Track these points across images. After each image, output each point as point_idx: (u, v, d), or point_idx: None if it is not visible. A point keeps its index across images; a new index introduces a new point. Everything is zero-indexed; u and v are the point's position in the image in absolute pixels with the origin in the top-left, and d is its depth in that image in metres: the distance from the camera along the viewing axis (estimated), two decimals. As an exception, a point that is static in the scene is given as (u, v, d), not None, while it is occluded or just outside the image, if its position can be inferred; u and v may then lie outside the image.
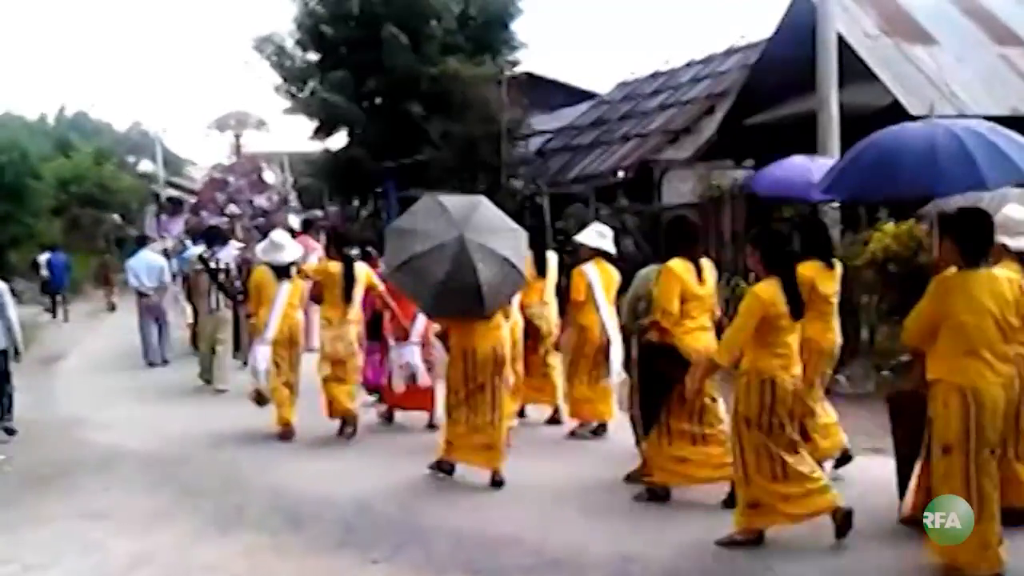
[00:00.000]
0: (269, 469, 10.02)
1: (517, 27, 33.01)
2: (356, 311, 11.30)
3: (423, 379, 11.20)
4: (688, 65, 27.56)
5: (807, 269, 7.97)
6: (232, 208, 25.67)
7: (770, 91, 17.94)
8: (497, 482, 8.89)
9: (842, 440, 8.63)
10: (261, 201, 26.16)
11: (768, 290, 6.96)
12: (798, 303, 7.00)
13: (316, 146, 35.30)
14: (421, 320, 11.01)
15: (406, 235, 8.90)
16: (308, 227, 19.83)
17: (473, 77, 27.11)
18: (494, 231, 8.94)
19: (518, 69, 30.78)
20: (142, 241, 21.06)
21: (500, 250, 8.78)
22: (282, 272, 11.49)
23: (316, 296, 11.53)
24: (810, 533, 7.11)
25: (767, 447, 6.97)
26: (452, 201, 9.17)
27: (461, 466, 9.18)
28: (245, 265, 15.38)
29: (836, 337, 8.51)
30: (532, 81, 30.14)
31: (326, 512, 8.48)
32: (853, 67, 15.05)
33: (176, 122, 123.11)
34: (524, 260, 9.13)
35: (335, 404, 11.12)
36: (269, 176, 27.60)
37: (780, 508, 7.02)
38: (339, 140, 34.28)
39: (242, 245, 17.34)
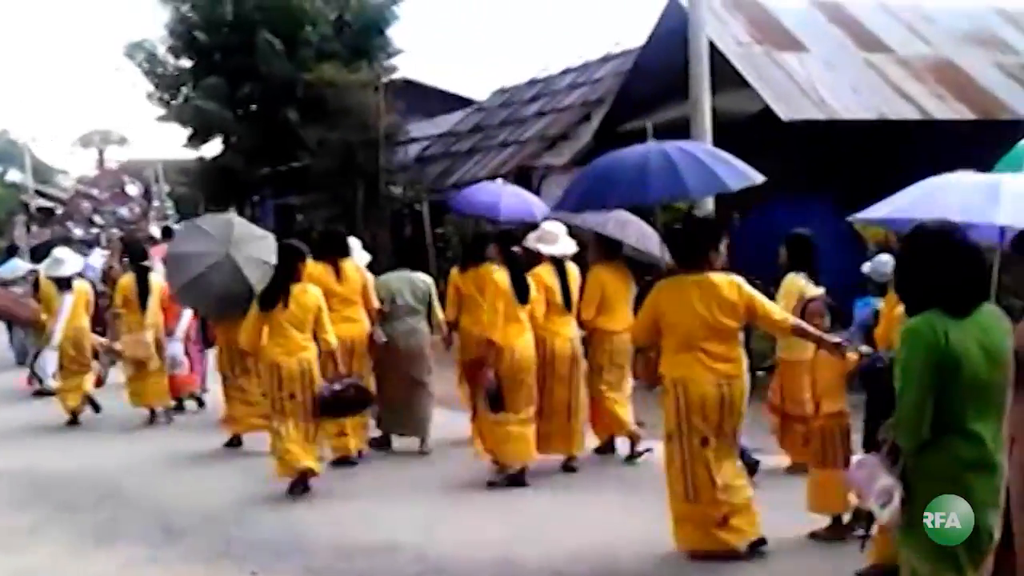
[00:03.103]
0: (145, 482, 9.87)
1: (394, 33, 32.98)
2: (153, 317, 12.61)
3: (183, 369, 13.19)
4: (564, 72, 27.71)
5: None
6: (97, 219, 26.27)
7: (645, 97, 18.12)
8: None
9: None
10: (124, 212, 27.64)
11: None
12: None
13: (191, 154, 34.78)
14: (185, 318, 12.92)
15: (181, 260, 10.83)
16: (168, 235, 19.90)
17: (349, 83, 26.92)
18: (251, 240, 10.68)
19: (395, 75, 30.72)
20: (12, 251, 20.83)
21: (259, 255, 10.34)
22: (64, 284, 13.07)
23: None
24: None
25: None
26: (209, 222, 11.36)
27: (343, 477, 9.13)
28: (109, 272, 16.64)
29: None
30: (410, 87, 30.11)
31: (205, 524, 8.37)
32: (725, 74, 15.30)
33: (46, 131, 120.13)
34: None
35: (142, 397, 12.69)
36: (132, 189, 29.08)
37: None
38: (214, 148, 33.86)
39: (107, 253, 18.81)
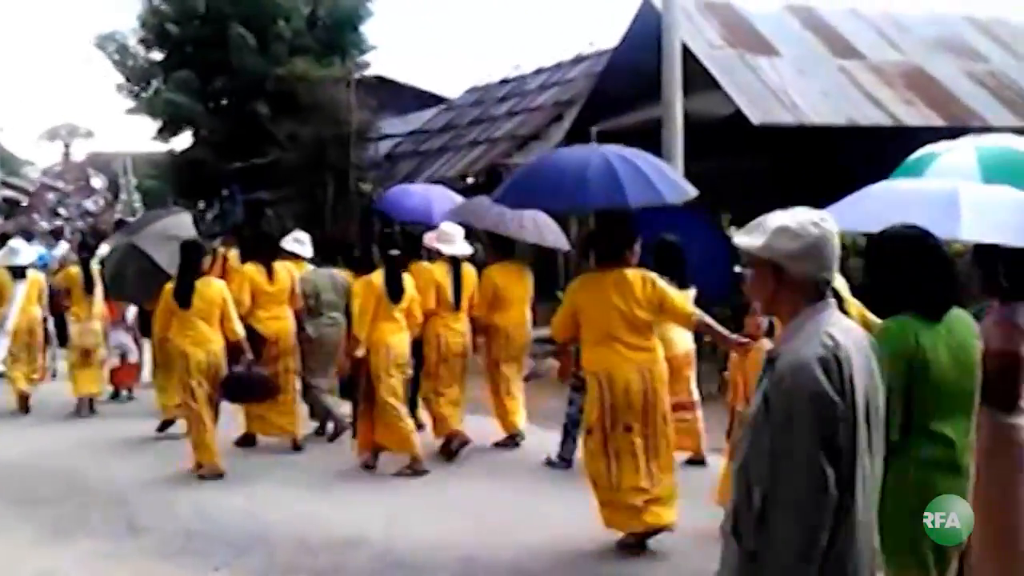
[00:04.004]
0: (107, 476, 9.77)
1: (367, 29, 32.84)
2: (99, 308, 13.05)
3: (133, 356, 13.76)
4: (537, 72, 27.72)
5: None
6: (62, 211, 26.46)
7: (617, 99, 18.14)
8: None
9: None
10: (88, 204, 28.01)
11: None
12: None
13: (161, 147, 34.57)
14: (132, 309, 13.35)
15: (112, 253, 11.60)
16: (120, 227, 20.24)
17: (322, 78, 26.83)
18: (155, 221, 11.43)
19: (368, 71, 30.58)
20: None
21: (166, 231, 10.88)
22: (18, 273, 13.31)
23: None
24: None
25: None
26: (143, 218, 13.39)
27: (307, 470, 9.09)
28: (63, 264, 16.60)
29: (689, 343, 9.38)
30: (382, 84, 29.97)
31: (167, 519, 8.30)
32: (697, 76, 15.33)
33: (13, 122, 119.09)
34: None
35: (80, 386, 12.92)
36: (96, 182, 29.40)
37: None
38: (184, 141, 33.64)
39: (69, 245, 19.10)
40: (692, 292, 8.68)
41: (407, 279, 9.79)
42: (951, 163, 6.89)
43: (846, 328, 3.33)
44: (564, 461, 9.58)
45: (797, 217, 3.36)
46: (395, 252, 9.80)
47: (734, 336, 7.25)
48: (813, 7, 19.25)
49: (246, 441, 10.83)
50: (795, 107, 15.57)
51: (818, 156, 14.98)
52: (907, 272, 4.25)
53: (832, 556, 3.16)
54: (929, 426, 4.17)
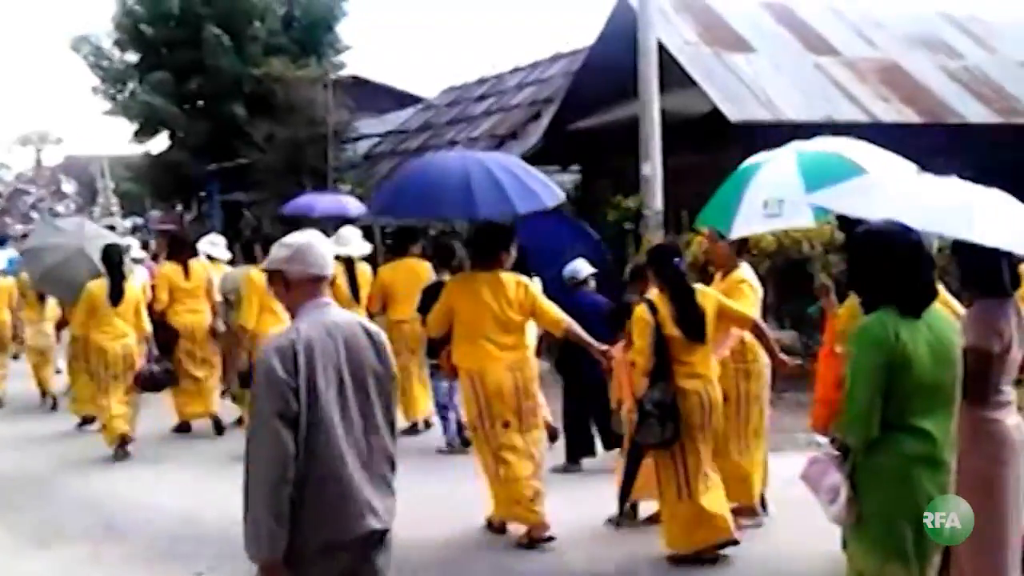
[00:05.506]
0: (87, 481, 9.73)
1: (343, 29, 32.88)
2: (52, 311, 13.63)
3: None
4: (514, 71, 27.72)
5: None
6: (35, 215, 26.73)
7: (594, 97, 18.17)
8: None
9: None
10: (60, 208, 28.59)
11: None
12: None
13: (137, 149, 34.47)
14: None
15: (37, 252, 12.01)
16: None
17: (298, 79, 26.81)
18: (99, 237, 11.88)
19: (344, 72, 30.57)
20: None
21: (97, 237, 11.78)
22: None
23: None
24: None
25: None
26: (63, 222, 13.52)
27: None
28: None
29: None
30: (359, 84, 29.96)
31: (149, 524, 8.26)
32: (674, 74, 15.37)
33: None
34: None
35: (43, 384, 13.65)
36: (67, 187, 29.96)
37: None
38: (160, 143, 33.55)
39: None
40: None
41: None
42: (773, 173, 7.10)
43: (325, 322, 4.16)
44: (449, 446, 10.34)
45: (291, 236, 4.35)
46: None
47: (597, 345, 7.55)
48: (788, 4, 19.32)
49: (181, 428, 11.83)
50: (771, 104, 15.63)
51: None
52: (888, 268, 4.27)
53: (307, 500, 3.97)
54: (910, 422, 4.19)
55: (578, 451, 9.51)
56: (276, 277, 4.30)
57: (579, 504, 8.09)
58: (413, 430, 11.12)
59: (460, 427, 10.06)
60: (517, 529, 7.56)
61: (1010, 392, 5.08)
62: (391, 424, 4.32)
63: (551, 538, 7.38)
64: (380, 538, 4.22)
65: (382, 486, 4.23)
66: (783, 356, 7.23)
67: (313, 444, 4.00)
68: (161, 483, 9.51)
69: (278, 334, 4.17)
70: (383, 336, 4.34)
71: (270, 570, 3.96)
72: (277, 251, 4.29)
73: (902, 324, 4.19)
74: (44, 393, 13.71)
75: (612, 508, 7.68)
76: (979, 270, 5.13)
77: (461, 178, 7.99)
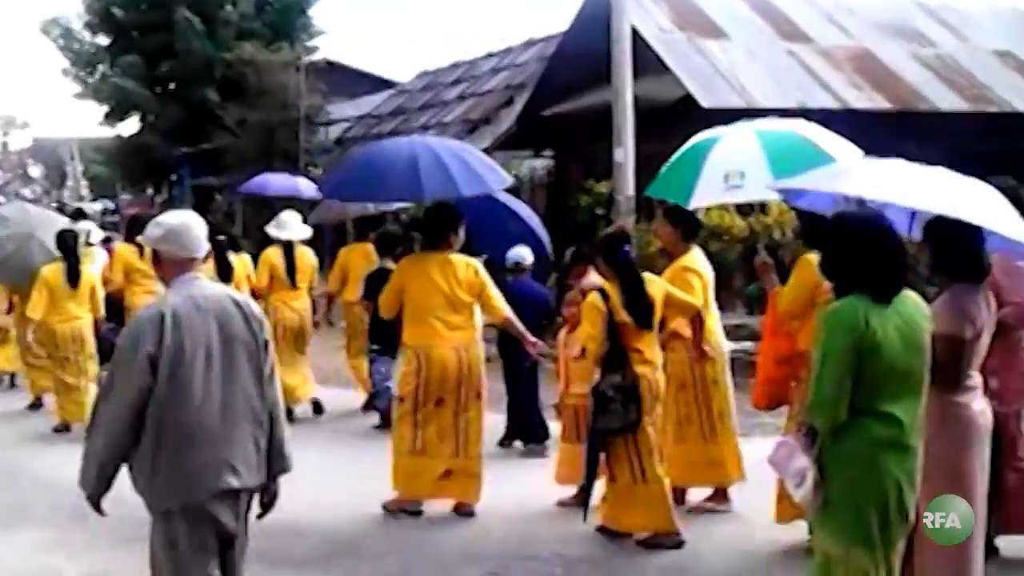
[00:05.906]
0: (49, 464, 9.60)
1: (315, 13, 32.76)
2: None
3: None
4: (487, 56, 27.69)
5: None
6: (1, 198, 27.02)
7: (567, 83, 18.15)
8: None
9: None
10: (27, 192, 29.04)
11: None
12: None
13: (108, 132, 34.23)
14: None
15: None
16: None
17: (270, 63, 26.69)
18: (48, 223, 12.14)
19: (317, 56, 30.47)
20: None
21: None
22: None
23: None
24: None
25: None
26: (6, 210, 13.63)
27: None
28: None
29: None
30: (331, 68, 29.86)
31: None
32: (647, 60, 15.35)
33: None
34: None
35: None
36: (34, 171, 30.40)
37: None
38: (131, 126, 33.33)
39: None
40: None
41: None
42: (733, 147, 7.16)
43: (194, 294, 4.47)
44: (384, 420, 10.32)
45: (164, 216, 4.70)
46: (220, 237, 11.16)
47: (533, 339, 7.91)
48: (762, -9, 19.33)
49: None
50: (744, 90, 15.64)
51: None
52: (860, 254, 4.27)
53: (167, 458, 4.57)
54: (878, 407, 4.19)
55: (514, 433, 9.74)
56: (153, 253, 4.65)
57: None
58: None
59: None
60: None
61: (976, 377, 5.10)
62: (262, 389, 4.60)
63: (472, 513, 7.65)
64: (238, 496, 4.62)
65: (247, 447, 4.56)
66: (705, 347, 7.38)
67: (175, 403, 4.36)
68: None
69: (148, 304, 4.69)
70: (254, 307, 4.67)
71: (95, 505, 4.85)
72: (151, 229, 4.60)
73: (872, 310, 4.18)
74: (11, 377, 13.68)
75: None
76: (956, 253, 5.12)
77: (409, 161, 8.09)
